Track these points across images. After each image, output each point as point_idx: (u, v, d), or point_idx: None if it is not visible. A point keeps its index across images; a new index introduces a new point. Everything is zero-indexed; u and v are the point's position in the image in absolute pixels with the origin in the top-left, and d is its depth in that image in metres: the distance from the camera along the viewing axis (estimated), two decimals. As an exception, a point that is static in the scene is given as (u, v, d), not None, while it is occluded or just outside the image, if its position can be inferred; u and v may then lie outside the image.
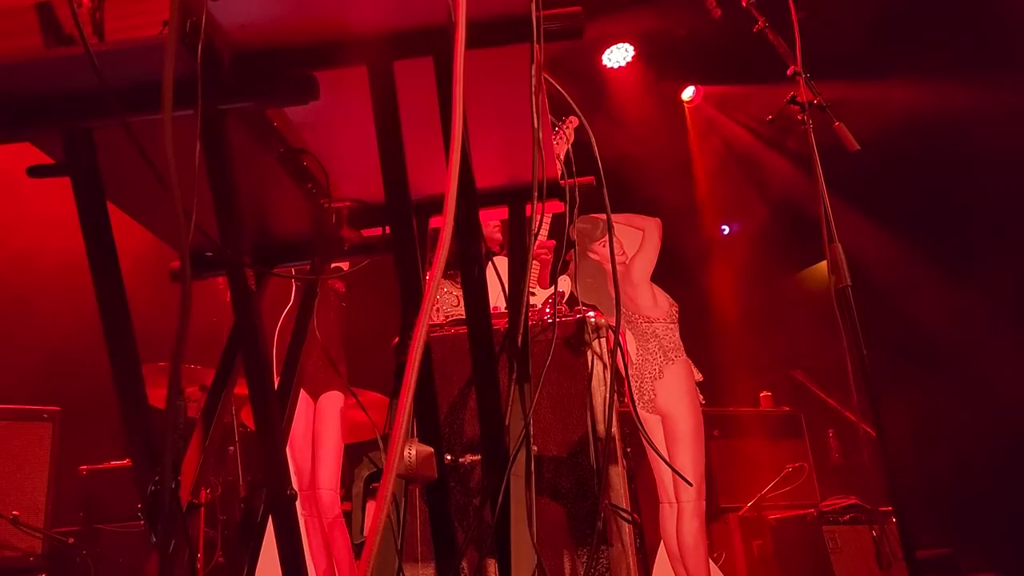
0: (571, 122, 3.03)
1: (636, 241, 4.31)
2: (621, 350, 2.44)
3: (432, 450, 1.10)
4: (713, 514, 4.99)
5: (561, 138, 2.96)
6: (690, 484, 3.83)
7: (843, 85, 5.06)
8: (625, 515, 2.34)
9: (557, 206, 1.82)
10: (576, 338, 2.53)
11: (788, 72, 2.72)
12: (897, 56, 5.37)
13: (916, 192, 5.53)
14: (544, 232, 3.22)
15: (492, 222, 3.51)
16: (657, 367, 4.07)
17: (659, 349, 4.10)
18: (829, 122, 2.66)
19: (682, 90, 6.88)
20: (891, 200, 5.68)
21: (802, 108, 2.67)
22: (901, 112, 5.35)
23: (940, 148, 5.31)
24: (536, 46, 1.26)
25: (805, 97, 2.67)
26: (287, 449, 3.27)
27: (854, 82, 5.31)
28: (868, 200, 5.60)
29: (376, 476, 1.60)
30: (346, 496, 3.97)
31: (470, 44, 1.07)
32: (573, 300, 3.20)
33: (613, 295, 1.79)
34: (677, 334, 4.17)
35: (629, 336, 4.21)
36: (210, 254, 1.68)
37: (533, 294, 3.25)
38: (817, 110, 2.66)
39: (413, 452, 1.06)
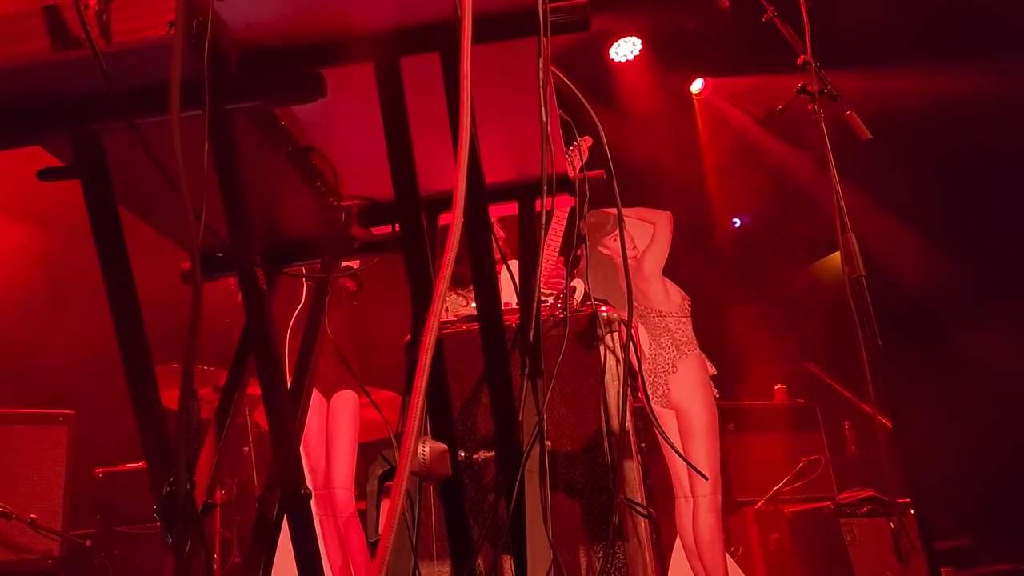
0: (586, 141, 3.01)
1: (647, 235, 4.30)
2: (634, 344, 2.43)
3: (445, 447, 1.10)
4: (729, 508, 4.97)
5: (576, 156, 2.93)
6: (705, 478, 3.81)
7: (854, 74, 5.02)
8: (641, 510, 2.32)
9: (567, 200, 1.81)
10: (588, 333, 2.52)
11: (798, 61, 2.70)
12: (908, 43, 5.32)
13: (931, 180, 5.47)
14: (561, 225, 3.19)
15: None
16: (670, 361, 4.05)
17: (672, 343, 4.08)
18: (840, 111, 2.64)
19: (691, 83, 6.83)
20: (905, 189, 5.62)
21: (813, 97, 2.65)
22: (913, 100, 5.30)
23: (955, 136, 5.26)
24: (543, 39, 1.25)
25: (816, 86, 2.65)
26: (301, 448, 3.28)
27: (865, 70, 5.26)
28: (881, 189, 5.55)
29: (390, 474, 1.60)
30: (360, 495, 3.97)
31: (477, 39, 1.06)
32: (587, 297, 3.17)
33: (625, 289, 1.77)
34: (690, 328, 4.16)
35: (642, 330, 4.20)
36: (220, 254, 1.68)
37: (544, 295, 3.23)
38: (828, 99, 2.64)
39: (427, 449, 1.06)
